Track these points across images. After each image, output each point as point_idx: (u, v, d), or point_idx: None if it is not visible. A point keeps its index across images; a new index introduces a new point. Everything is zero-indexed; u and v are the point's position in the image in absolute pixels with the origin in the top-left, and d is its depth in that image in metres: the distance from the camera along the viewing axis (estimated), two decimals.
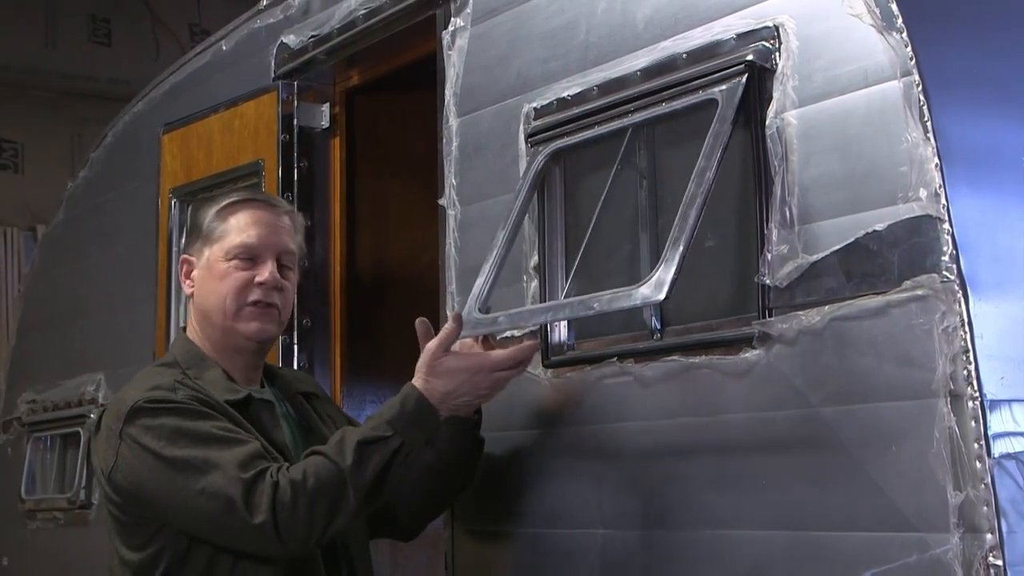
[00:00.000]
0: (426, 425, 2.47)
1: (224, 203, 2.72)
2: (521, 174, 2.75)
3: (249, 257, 2.65)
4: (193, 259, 2.71)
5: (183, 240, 2.75)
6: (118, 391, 2.65)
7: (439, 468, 2.66)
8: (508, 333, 2.73)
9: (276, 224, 2.70)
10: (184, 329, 2.75)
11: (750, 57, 2.31)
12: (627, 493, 2.49)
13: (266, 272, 2.64)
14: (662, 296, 2.23)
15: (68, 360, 4.78)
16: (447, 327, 2.53)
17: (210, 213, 2.71)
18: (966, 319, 1.96)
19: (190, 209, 2.83)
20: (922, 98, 2.05)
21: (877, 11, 2.14)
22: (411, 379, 2.52)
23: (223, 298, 2.63)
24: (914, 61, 2.07)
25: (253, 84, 3.79)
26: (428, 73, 3.16)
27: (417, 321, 2.61)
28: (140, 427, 2.47)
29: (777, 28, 2.29)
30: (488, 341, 2.67)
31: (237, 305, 2.63)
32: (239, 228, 2.66)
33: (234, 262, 2.64)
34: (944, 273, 1.99)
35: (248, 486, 2.37)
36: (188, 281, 2.72)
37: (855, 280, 2.11)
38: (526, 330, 2.68)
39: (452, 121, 3.01)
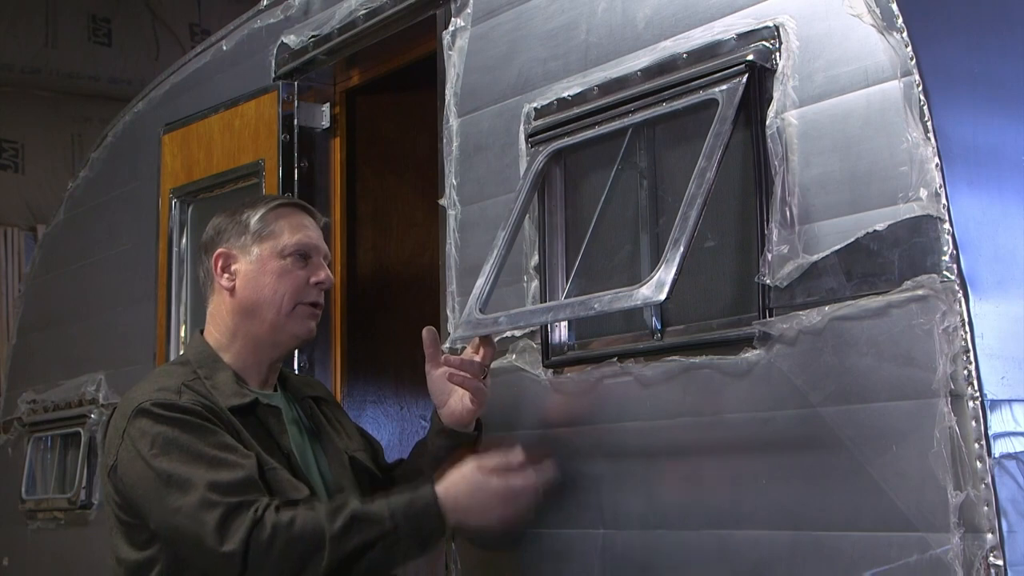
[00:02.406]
0: (426, 528, 2.43)
1: (272, 204, 2.77)
2: (521, 174, 2.75)
3: (303, 255, 2.71)
4: (235, 253, 2.72)
5: (219, 238, 2.74)
6: (131, 388, 2.66)
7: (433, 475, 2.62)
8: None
9: (318, 228, 2.80)
10: (201, 332, 2.76)
11: (750, 57, 2.31)
12: (627, 493, 2.49)
13: (323, 273, 2.72)
14: (663, 297, 2.23)
15: (68, 360, 4.78)
16: (506, 455, 2.50)
17: (257, 212, 2.74)
18: (966, 319, 1.96)
19: (223, 211, 2.83)
20: (922, 98, 2.05)
21: (877, 11, 2.14)
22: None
23: (280, 295, 2.68)
24: (914, 61, 2.07)
25: (253, 84, 3.79)
26: (428, 73, 3.16)
27: (425, 330, 2.63)
28: (139, 430, 2.49)
29: (777, 28, 2.29)
30: (486, 342, 2.67)
31: (294, 303, 2.69)
32: (292, 227, 2.73)
33: (290, 259, 2.70)
34: (944, 273, 1.99)
35: (226, 512, 2.36)
36: (226, 275, 2.71)
37: (855, 280, 2.11)
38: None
39: (452, 121, 3.01)
